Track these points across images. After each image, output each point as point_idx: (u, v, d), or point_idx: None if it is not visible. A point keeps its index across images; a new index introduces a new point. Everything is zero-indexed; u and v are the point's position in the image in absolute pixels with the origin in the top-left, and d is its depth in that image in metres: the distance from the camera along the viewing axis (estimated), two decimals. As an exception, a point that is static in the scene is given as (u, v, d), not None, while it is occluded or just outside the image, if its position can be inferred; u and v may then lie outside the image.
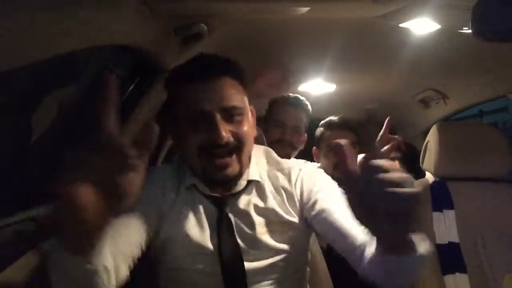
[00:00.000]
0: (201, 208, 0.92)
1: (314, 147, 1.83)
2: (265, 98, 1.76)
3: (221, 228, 0.90)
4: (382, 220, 0.57)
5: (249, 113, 0.94)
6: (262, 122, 1.70)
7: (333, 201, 0.90)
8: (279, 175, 0.98)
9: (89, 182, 0.51)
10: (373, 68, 1.76)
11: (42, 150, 1.13)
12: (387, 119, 1.61)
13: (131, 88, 1.29)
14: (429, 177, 1.52)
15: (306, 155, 1.92)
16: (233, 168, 0.88)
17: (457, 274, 1.30)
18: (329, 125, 1.76)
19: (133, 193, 0.53)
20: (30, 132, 1.04)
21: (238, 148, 0.88)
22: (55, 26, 0.59)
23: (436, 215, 1.39)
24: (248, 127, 0.91)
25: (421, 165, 1.56)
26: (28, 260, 0.85)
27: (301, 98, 1.74)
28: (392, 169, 0.56)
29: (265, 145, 1.35)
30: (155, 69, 1.27)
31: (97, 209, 0.51)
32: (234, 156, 0.88)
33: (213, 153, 0.86)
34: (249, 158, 0.95)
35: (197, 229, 0.90)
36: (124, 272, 0.77)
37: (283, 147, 1.63)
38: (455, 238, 1.35)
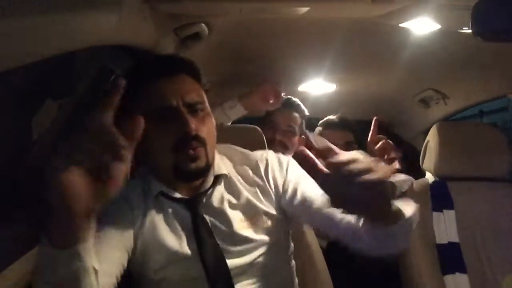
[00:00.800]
0: (172, 214, 0.90)
1: None
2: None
3: (198, 230, 0.87)
4: (360, 205, 0.61)
5: (210, 112, 0.93)
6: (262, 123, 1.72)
7: (311, 188, 0.88)
8: (247, 168, 0.97)
9: (79, 168, 0.52)
10: (373, 68, 1.76)
11: (42, 150, 1.13)
12: (374, 118, 1.63)
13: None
14: (429, 177, 1.52)
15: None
16: (202, 160, 0.87)
17: (457, 274, 1.30)
18: (327, 125, 1.77)
19: (119, 181, 0.54)
20: (30, 133, 1.04)
21: (204, 141, 0.87)
22: (55, 26, 0.59)
23: (436, 215, 1.39)
24: (211, 124, 0.91)
25: (421, 165, 1.56)
26: (28, 260, 0.85)
27: (295, 99, 1.76)
28: (353, 161, 0.59)
29: (265, 145, 1.37)
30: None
31: (85, 195, 0.52)
32: (202, 149, 0.87)
33: (186, 145, 0.85)
34: (214, 156, 0.94)
35: (172, 236, 0.87)
36: None
37: (274, 147, 1.64)
38: (455, 238, 1.35)
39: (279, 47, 1.51)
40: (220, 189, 0.93)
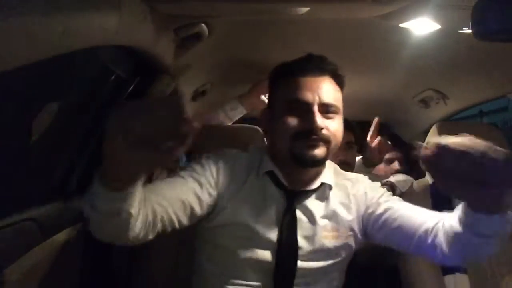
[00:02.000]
0: (270, 196, 0.96)
1: None
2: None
3: (285, 221, 0.93)
4: (474, 188, 0.61)
5: (342, 117, 0.99)
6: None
7: (395, 202, 0.98)
8: (347, 184, 1.03)
9: (130, 138, 0.54)
10: (373, 68, 1.75)
11: (43, 150, 1.13)
12: (376, 118, 1.64)
13: (131, 88, 1.29)
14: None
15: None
16: (321, 151, 0.93)
17: (457, 274, 1.30)
18: None
19: (167, 161, 0.57)
20: (31, 133, 1.04)
21: (328, 140, 0.94)
22: (55, 26, 0.59)
23: (436, 215, 1.39)
24: (339, 127, 0.97)
25: (421, 165, 1.56)
26: (28, 260, 0.85)
27: None
28: (468, 144, 0.63)
29: (265, 143, 1.38)
30: (155, 69, 1.27)
31: (128, 163, 0.58)
32: (322, 143, 0.93)
33: (307, 137, 0.92)
34: (330, 157, 1.01)
35: (262, 216, 0.93)
36: (149, 234, 0.81)
37: None
38: (455, 238, 1.35)
39: (279, 47, 1.50)
40: (320, 195, 0.99)
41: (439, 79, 1.83)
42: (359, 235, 0.99)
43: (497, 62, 1.49)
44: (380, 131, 1.71)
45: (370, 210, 0.98)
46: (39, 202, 1.00)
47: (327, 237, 0.95)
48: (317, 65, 0.98)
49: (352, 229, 0.98)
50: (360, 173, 1.82)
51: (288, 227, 0.93)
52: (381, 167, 2.12)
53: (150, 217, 0.79)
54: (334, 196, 1.00)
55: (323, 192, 0.99)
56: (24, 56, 0.58)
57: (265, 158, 1.00)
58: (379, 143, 1.69)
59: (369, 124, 1.76)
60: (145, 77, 1.29)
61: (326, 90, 0.95)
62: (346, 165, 1.69)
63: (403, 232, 0.92)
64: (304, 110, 0.92)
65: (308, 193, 0.98)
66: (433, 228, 0.87)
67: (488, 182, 0.60)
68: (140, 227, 0.77)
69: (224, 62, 1.62)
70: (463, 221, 0.75)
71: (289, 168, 0.97)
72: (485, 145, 0.62)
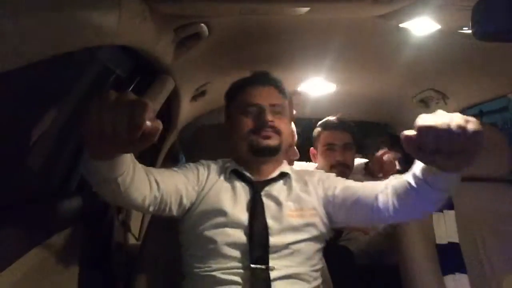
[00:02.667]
0: (239, 189, 1.12)
1: (312, 147, 1.84)
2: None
3: (253, 206, 1.09)
4: (449, 156, 0.71)
5: (288, 117, 1.21)
6: None
7: (349, 182, 1.15)
8: (304, 175, 1.20)
9: (101, 127, 0.65)
10: (373, 68, 1.75)
11: (43, 150, 1.13)
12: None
13: (131, 87, 1.29)
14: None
15: (305, 157, 1.92)
16: (274, 140, 1.14)
17: (457, 274, 1.30)
18: (326, 125, 1.78)
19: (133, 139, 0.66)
20: (31, 133, 1.04)
21: (279, 131, 1.14)
22: (55, 26, 0.59)
23: (436, 215, 1.39)
24: (287, 123, 1.20)
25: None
26: (28, 260, 0.85)
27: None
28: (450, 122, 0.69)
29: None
30: (155, 69, 1.27)
31: (106, 145, 0.70)
32: (276, 134, 1.14)
33: (262, 129, 1.13)
34: (285, 154, 1.23)
35: (233, 205, 1.08)
36: (147, 202, 0.97)
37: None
38: (455, 238, 1.35)
39: (279, 47, 1.51)
40: (281, 183, 1.16)
41: (439, 79, 1.83)
42: (324, 218, 1.12)
43: (497, 62, 1.49)
44: (380, 130, 1.72)
45: (329, 193, 1.13)
46: (39, 202, 1.00)
47: (292, 216, 1.08)
48: (262, 78, 1.22)
49: (314, 209, 1.11)
50: (357, 176, 1.84)
51: (257, 210, 1.08)
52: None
53: (147, 188, 0.96)
54: (294, 182, 1.16)
55: (285, 180, 1.17)
56: (24, 56, 0.57)
57: (230, 161, 1.20)
58: (383, 154, 1.71)
59: (369, 124, 1.76)
60: (145, 77, 1.29)
61: (273, 95, 1.18)
62: (344, 167, 1.69)
63: (361, 204, 1.05)
64: (257, 111, 1.14)
65: (270, 182, 1.15)
66: (382, 191, 1.01)
67: (466, 150, 0.70)
68: (136, 196, 0.93)
69: (224, 62, 1.62)
70: (424, 179, 0.86)
71: (250, 163, 1.16)
72: (459, 119, 0.71)
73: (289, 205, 1.10)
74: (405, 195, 0.94)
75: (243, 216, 1.06)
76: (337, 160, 1.69)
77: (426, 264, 1.31)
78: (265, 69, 1.68)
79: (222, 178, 1.15)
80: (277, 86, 1.21)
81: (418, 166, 0.88)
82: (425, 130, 0.71)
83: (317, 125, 1.85)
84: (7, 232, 0.81)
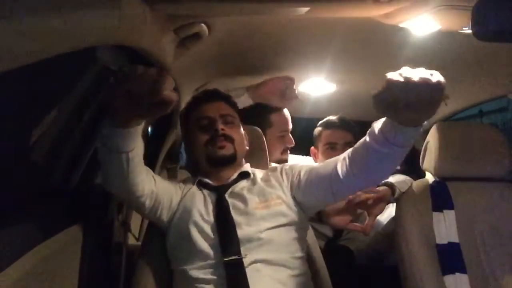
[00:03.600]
0: (205, 195, 1.22)
1: (313, 147, 1.84)
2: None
3: (219, 206, 1.17)
4: (415, 110, 0.82)
5: (240, 127, 1.31)
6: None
7: (311, 165, 1.23)
8: (268, 171, 1.29)
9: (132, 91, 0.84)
10: (373, 68, 1.75)
11: (43, 150, 1.13)
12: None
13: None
14: (429, 177, 1.52)
15: (306, 155, 1.92)
16: (228, 149, 1.24)
17: (457, 274, 1.30)
18: (327, 125, 1.78)
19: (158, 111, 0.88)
20: (31, 132, 1.04)
21: (231, 139, 1.24)
22: (55, 26, 0.59)
23: (436, 215, 1.39)
24: (239, 132, 1.30)
25: (421, 165, 1.56)
26: (28, 260, 0.85)
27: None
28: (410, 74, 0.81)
29: (265, 145, 1.39)
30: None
31: (128, 112, 0.90)
32: (229, 143, 1.24)
33: (215, 140, 1.22)
34: (243, 160, 1.32)
35: (203, 209, 1.17)
36: (146, 191, 1.10)
37: (274, 145, 1.73)
38: (455, 238, 1.35)
39: (279, 47, 1.50)
40: (243, 182, 1.25)
41: (439, 79, 1.82)
42: (292, 206, 1.17)
43: (497, 62, 1.49)
44: None
45: (294, 180, 1.20)
46: (39, 202, 1.00)
47: (258, 208, 1.15)
48: (212, 95, 1.34)
49: (279, 197, 1.18)
50: None
51: (222, 209, 1.16)
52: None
53: (149, 179, 1.11)
54: (256, 178, 1.24)
55: (244, 179, 1.25)
56: (24, 56, 0.58)
57: (196, 173, 1.30)
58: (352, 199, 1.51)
59: (369, 124, 1.77)
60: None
61: (222, 107, 1.30)
62: None
63: (321, 178, 1.13)
64: (210, 124, 1.25)
65: (232, 183, 1.23)
66: (341, 161, 1.07)
67: (431, 101, 0.81)
68: (138, 181, 1.05)
69: (224, 62, 1.62)
70: (385, 138, 0.92)
71: (211, 172, 1.26)
72: (423, 71, 0.81)
73: (253, 199, 1.17)
74: (365, 158, 1.00)
75: (211, 217, 1.15)
76: None
77: (426, 264, 1.31)
78: (266, 69, 1.69)
79: (193, 187, 1.25)
80: (226, 100, 1.33)
81: (375, 127, 0.95)
82: (395, 84, 0.81)
83: (318, 124, 1.85)
84: (7, 232, 0.81)
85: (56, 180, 1.18)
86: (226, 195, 1.20)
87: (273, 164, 1.87)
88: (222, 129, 1.23)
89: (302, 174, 1.19)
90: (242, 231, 1.11)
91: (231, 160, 1.25)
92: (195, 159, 1.30)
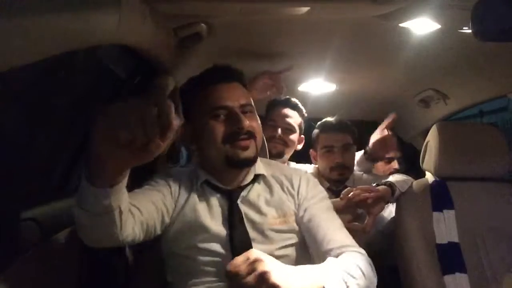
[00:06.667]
0: (213, 200, 1.04)
1: (312, 149, 1.84)
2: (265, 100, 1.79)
3: (232, 217, 1.01)
4: None
5: (255, 112, 1.08)
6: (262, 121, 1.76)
7: (320, 209, 1.05)
8: (282, 177, 1.10)
9: (115, 139, 0.60)
10: (373, 68, 1.75)
11: (43, 150, 1.13)
12: (392, 115, 1.65)
13: (131, 88, 1.29)
14: (429, 177, 1.52)
15: (305, 157, 1.92)
16: (252, 150, 1.02)
17: (457, 274, 1.29)
18: (324, 127, 1.78)
19: (153, 155, 0.64)
20: (31, 132, 1.04)
21: (254, 135, 1.03)
22: (55, 26, 0.59)
23: (436, 215, 1.39)
24: (258, 121, 1.07)
25: (421, 165, 1.56)
26: (28, 260, 0.85)
27: (293, 99, 1.82)
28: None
29: (265, 143, 1.38)
30: (155, 69, 1.27)
31: (116, 160, 0.65)
32: (252, 141, 1.02)
33: (238, 139, 1.00)
34: (259, 149, 1.09)
35: (210, 220, 1.00)
36: (137, 231, 0.90)
37: (275, 144, 1.71)
38: (455, 238, 1.35)
39: (279, 47, 1.50)
40: (258, 187, 1.07)
41: (439, 79, 1.83)
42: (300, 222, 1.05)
43: (497, 62, 1.49)
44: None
45: (301, 205, 1.06)
46: (39, 202, 1.00)
47: (275, 224, 1.02)
48: (226, 73, 1.08)
49: (295, 215, 1.05)
50: (361, 168, 1.84)
51: (235, 222, 1.00)
52: (380, 166, 2.12)
53: (131, 218, 0.87)
54: (272, 184, 1.08)
55: (260, 182, 1.08)
56: (24, 56, 0.58)
57: (199, 170, 1.08)
58: (384, 137, 1.69)
59: (369, 124, 1.76)
60: (145, 76, 1.29)
61: (241, 93, 1.05)
62: (344, 168, 1.69)
63: (311, 241, 1.02)
64: (228, 115, 1.01)
65: (245, 188, 1.06)
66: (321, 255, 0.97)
67: None
68: (133, 224, 0.87)
69: (223, 62, 1.62)
70: None
71: (223, 172, 1.05)
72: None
73: (271, 212, 1.03)
74: None
75: (222, 230, 0.99)
76: (336, 162, 1.69)
77: (426, 264, 1.31)
78: (265, 69, 1.69)
79: (194, 191, 1.05)
80: (241, 80, 1.09)
81: None
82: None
83: (316, 126, 1.85)
84: (7, 232, 0.81)
85: (56, 180, 1.18)
86: (239, 202, 1.04)
87: (292, 164, 1.87)
88: (248, 124, 1.00)
89: (307, 213, 1.04)
90: (256, 247, 0.96)
91: (253, 163, 1.05)
92: (204, 153, 1.06)
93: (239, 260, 0.74)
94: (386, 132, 1.68)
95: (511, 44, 0.86)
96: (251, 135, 1.02)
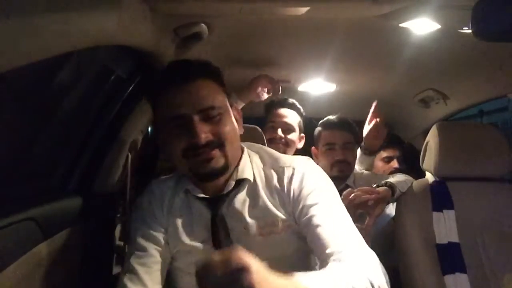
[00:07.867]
0: (195, 211, 0.96)
1: (313, 147, 1.85)
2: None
3: (215, 229, 0.93)
4: None
5: (230, 111, 0.95)
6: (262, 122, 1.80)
7: (318, 207, 0.91)
8: (273, 174, 0.98)
9: None
10: (373, 68, 1.75)
11: (43, 150, 1.13)
12: (374, 103, 1.68)
13: (131, 87, 1.29)
14: (429, 177, 1.52)
15: (306, 156, 1.92)
16: (217, 161, 0.90)
17: (457, 274, 1.29)
18: (327, 125, 1.78)
19: None
20: (31, 132, 1.04)
21: (220, 144, 0.90)
22: (55, 26, 0.59)
23: (436, 215, 1.38)
24: (229, 124, 0.93)
25: (421, 165, 1.56)
26: (28, 260, 0.85)
27: (290, 100, 1.83)
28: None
29: (265, 144, 1.38)
30: (155, 69, 1.27)
31: None
32: (217, 151, 0.90)
33: (195, 153, 0.89)
34: (239, 156, 0.98)
35: (193, 232, 0.94)
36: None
37: (276, 145, 1.72)
38: (455, 238, 1.35)
39: (279, 47, 1.51)
40: (242, 194, 0.96)
41: (439, 79, 1.83)
42: (294, 225, 0.94)
43: (497, 62, 1.49)
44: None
45: (296, 204, 0.93)
46: (39, 202, 1.00)
47: (262, 234, 0.92)
48: (184, 72, 0.92)
49: (284, 221, 0.93)
50: (362, 167, 1.84)
51: (221, 234, 0.93)
52: (380, 166, 2.12)
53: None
54: (259, 189, 0.96)
55: (244, 188, 0.96)
56: (24, 56, 0.58)
57: (182, 176, 1.00)
58: (375, 125, 1.71)
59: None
60: (146, 76, 1.29)
61: (202, 95, 0.90)
62: (345, 164, 1.70)
63: (312, 244, 0.90)
64: (185, 124, 0.88)
65: (229, 196, 0.95)
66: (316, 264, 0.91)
67: None
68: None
69: (224, 62, 1.62)
70: None
71: (198, 181, 0.96)
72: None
73: (256, 223, 0.93)
74: None
75: (208, 244, 0.93)
76: (337, 159, 1.69)
77: (426, 264, 1.30)
78: (265, 69, 1.69)
79: (178, 199, 0.97)
80: (208, 75, 0.93)
81: None
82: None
83: (318, 124, 1.86)
84: (7, 231, 0.81)
85: (56, 180, 1.18)
86: (223, 212, 0.94)
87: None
88: (205, 135, 0.88)
89: (303, 214, 0.92)
90: None
91: (223, 171, 0.92)
92: (173, 163, 0.96)
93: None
94: (374, 122, 1.71)
95: (511, 44, 0.86)
96: (214, 144, 0.89)
